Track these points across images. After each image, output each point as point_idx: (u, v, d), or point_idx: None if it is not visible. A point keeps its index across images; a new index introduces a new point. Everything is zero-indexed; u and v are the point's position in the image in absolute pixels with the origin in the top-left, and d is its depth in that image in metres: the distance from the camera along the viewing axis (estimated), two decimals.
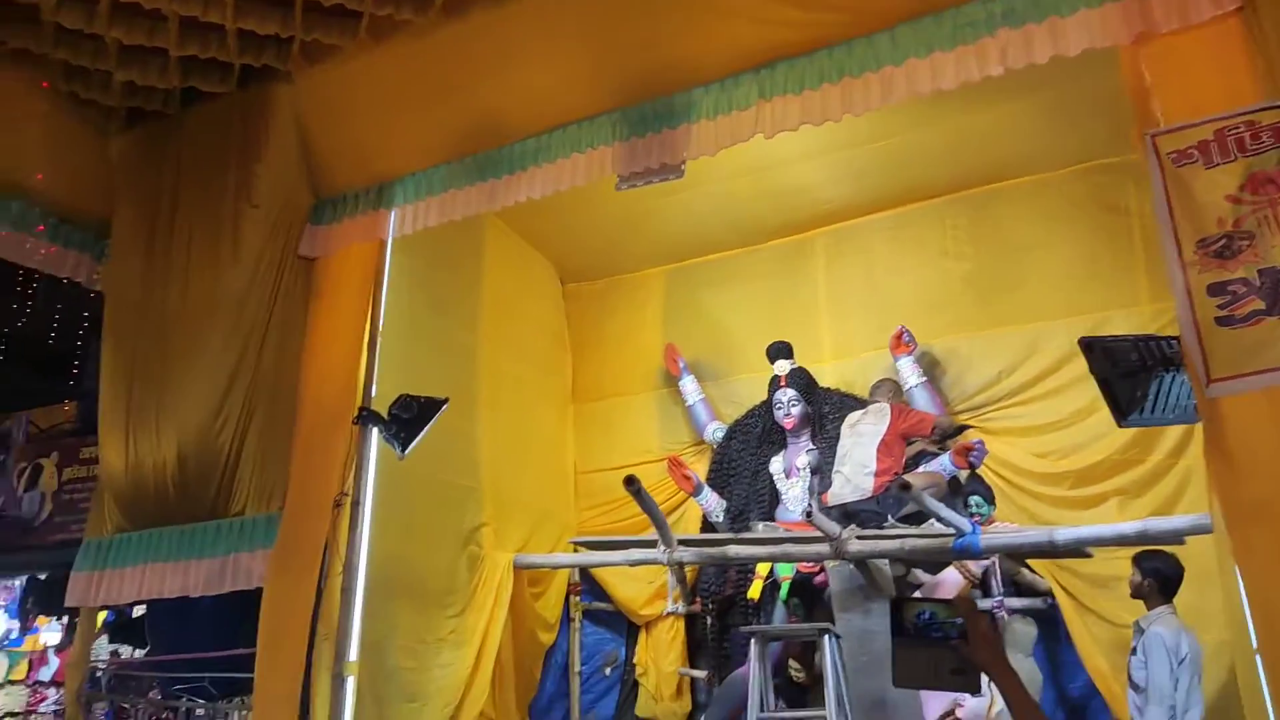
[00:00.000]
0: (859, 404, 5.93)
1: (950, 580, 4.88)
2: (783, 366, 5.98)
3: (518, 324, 6.73)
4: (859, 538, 4.15)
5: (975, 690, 2.09)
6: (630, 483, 4.47)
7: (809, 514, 4.73)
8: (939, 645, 1.99)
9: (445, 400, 4.78)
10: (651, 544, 4.89)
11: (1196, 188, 3.15)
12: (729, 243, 6.97)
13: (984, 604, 4.58)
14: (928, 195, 6.37)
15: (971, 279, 6.13)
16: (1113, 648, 4.70)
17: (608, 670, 6.74)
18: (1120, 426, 3.25)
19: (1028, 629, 4.62)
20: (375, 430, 4.75)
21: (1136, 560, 4.06)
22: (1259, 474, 2.80)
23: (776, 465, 5.80)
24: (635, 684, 6.59)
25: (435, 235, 5.04)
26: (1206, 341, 2.98)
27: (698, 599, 5.99)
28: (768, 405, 6.02)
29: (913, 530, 4.31)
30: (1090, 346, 3.31)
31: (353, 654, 4.44)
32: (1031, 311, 5.92)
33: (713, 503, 5.88)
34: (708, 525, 6.23)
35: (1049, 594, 5.07)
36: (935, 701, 4.39)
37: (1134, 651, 3.94)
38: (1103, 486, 5.39)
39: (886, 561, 4.25)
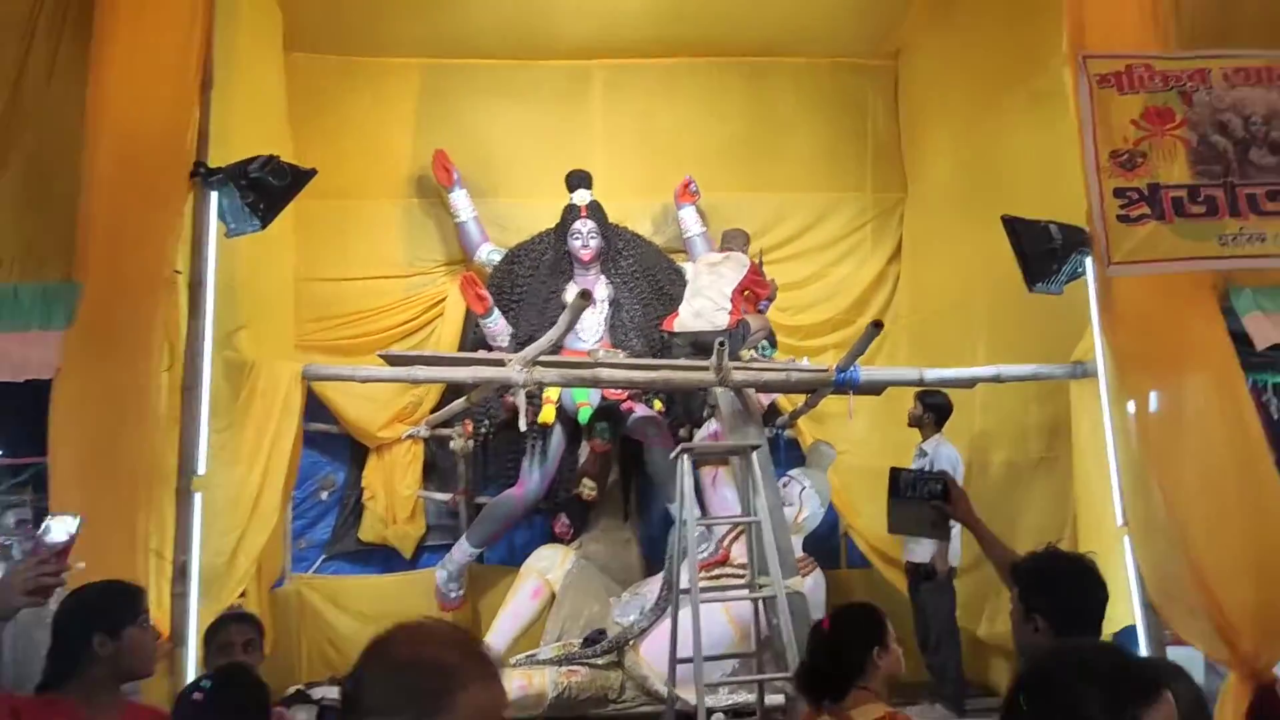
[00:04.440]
0: (645, 242, 6.15)
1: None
2: (583, 196, 5.92)
3: (240, 86, 5.56)
4: (739, 368, 4.49)
5: (946, 538, 2.73)
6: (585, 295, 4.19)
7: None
8: (924, 502, 2.69)
9: (314, 171, 3.96)
10: (496, 362, 4.64)
11: (1112, 108, 3.94)
12: (499, 50, 6.52)
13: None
14: (706, 53, 6.65)
15: (738, 140, 6.64)
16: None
17: (324, 494, 6.25)
18: (1031, 291, 4.02)
19: (831, 450, 5.45)
20: (214, 197, 3.75)
21: (919, 396, 5.05)
22: (1142, 333, 3.76)
23: (572, 294, 5.77)
24: (356, 507, 6.21)
25: None
26: (1110, 233, 3.83)
27: (467, 422, 5.80)
28: (561, 233, 5.93)
29: (796, 366, 4.78)
30: (1011, 224, 4.02)
31: (201, 466, 3.60)
32: (783, 182, 6.65)
33: (501, 327, 5.69)
34: (473, 346, 6.02)
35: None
36: None
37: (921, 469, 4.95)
38: (825, 340, 6.43)
39: (754, 391, 4.68)
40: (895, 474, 2.82)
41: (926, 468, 4.92)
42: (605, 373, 4.53)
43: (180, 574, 3.47)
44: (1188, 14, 4.00)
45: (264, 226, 3.83)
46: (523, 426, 4.66)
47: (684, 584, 4.01)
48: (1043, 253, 3.90)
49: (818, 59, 6.74)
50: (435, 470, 6.28)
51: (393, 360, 4.85)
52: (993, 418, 5.22)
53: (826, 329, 6.44)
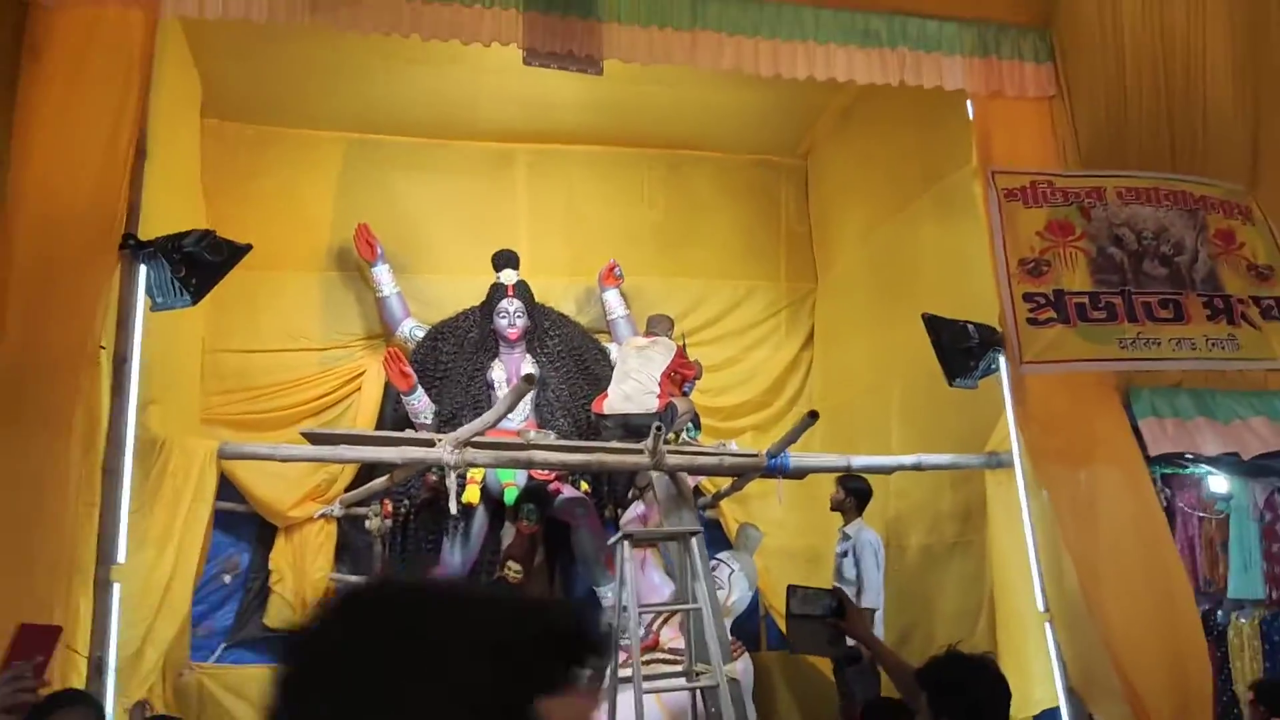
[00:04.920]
0: (570, 323, 6.21)
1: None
2: (509, 276, 5.95)
3: (158, 153, 5.40)
4: (672, 452, 4.54)
5: (842, 655, 2.85)
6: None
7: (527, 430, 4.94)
8: (818, 621, 2.68)
9: (249, 246, 3.87)
10: (426, 442, 4.56)
11: (1019, 220, 4.30)
12: (423, 129, 6.55)
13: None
14: (628, 143, 6.85)
15: (660, 228, 6.83)
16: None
17: (226, 578, 5.92)
18: (950, 385, 4.24)
19: (758, 533, 5.52)
20: (143, 270, 3.62)
21: (841, 481, 5.21)
22: (1053, 428, 4.03)
23: (498, 373, 5.76)
24: (261, 591, 5.91)
25: None
26: (1021, 334, 4.13)
27: (385, 501, 5.65)
28: (486, 311, 5.92)
29: (730, 449, 4.86)
30: (931, 322, 4.26)
31: (121, 554, 3.38)
32: (702, 268, 6.85)
33: (424, 404, 5.60)
34: (393, 423, 5.91)
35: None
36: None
37: (844, 554, 5.08)
38: (743, 421, 6.59)
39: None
40: (791, 591, 2.74)
41: (848, 551, 5.08)
42: (539, 454, 4.52)
43: (96, 670, 3.24)
44: (1085, 136, 4.40)
45: (195, 302, 3.72)
46: (454, 509, 4.57)
47: (626, 671, 3.96)
48: (961, 350, 4.15)
49: (734, 154, 7.03)
50: (347, 551, 6.04)
51: (315, 438, 4.70)
52: (906, 502, 5.44)
53: (745, 410, 6.60)
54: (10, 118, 3.53)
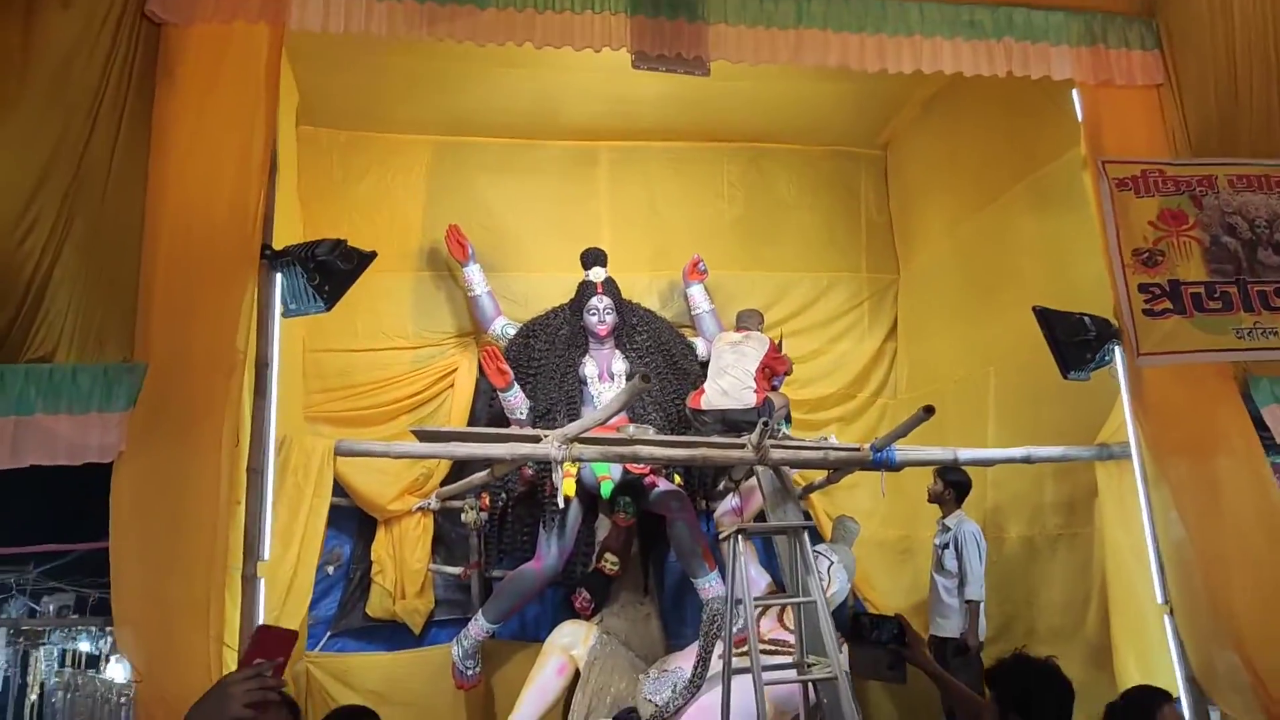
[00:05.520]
0: (658, 319, 6.27)
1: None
2: (598, 274, 6.02)
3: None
4: (776, 446, 4.59)
5: (903, 680, 2.96)
6: None
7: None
8: (880, 647, 2.83)
9: (374, 254, 4.00)
10: (532, 438, 4.66)
11: (1130, 209, 4.26)
12: (508, 130, 6.63)
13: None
14: (707, 138, 6.88)
15: (740, 222, 6.85)
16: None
17: (330, 569, 6.09)
18: (1065, 378, 4.24)
19: (856, 526, 5.56)
20: (278, 278, 3.76)
21: (940, 473, 5.22)
22: (1172, 420, 4.01)
23: (590, 369, 5.85)
24: (363, 582, 6.08)
25: None
26: (1138, 325, 4.11)
27: (484, 496, 5.78)
28: (576, 308, 6.01)
29: (833, 443, 4.91)
30: (1043, 314, 4.25)
31: (266, 551, 3.53)
32: (783, 262, 6.87)
33: (519, 400, 5.70)
34: (488, 421, 6.03)
35: None
36: None
37: (945, 545, 5.10)
38: (828, 414, 6.61)
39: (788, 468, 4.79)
40: (856, 618, 2.96)
41: (949, 543, 5.10)
42: (644, 449, 4.59)
43: None
44: (1194, 124, 4.35)
45: (328, 308, 3.86)
46: (560, 502, 4.66)
47: (740, 662, 4.04)
48: (1077, 342, 4.13)
49: (812, 146, 7.02)
50: (442, 544, 6.20)
51: (425, 435, 4.81)
52: (1005, 494, 5.42)
53: (830, 403, 6.61)
54: (148, 136, 3.68)
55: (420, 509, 6.04)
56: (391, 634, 6.02)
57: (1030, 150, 5.30)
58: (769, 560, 5.77)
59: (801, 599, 4.18)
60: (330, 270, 3.73)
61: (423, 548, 6.06)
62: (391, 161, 6.50)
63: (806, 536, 4.20)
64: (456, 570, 6.04)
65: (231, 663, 3.39)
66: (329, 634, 5.96)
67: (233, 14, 3.81)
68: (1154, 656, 4.01)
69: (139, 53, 3.70)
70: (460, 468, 6.05)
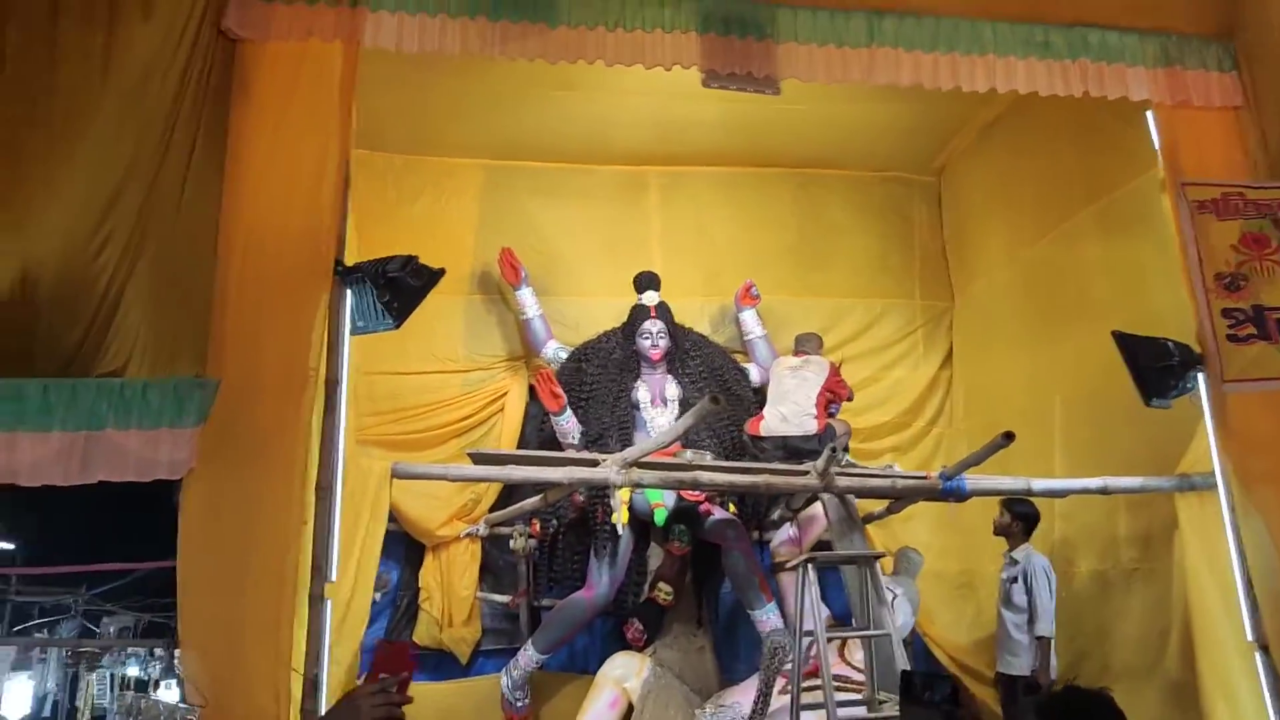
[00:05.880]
0: (711, 343, 6.20)
1: (821, 516, 5.49)
2: (651, 298, 5.96)
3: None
4: (841, 474, 4.48)
5: None
6: None
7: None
8: (935, 706, 2.71)
9: (443, 271, 3.96)
10: (590, 462, 4.57)
11: (1211, 232, 4.15)
12: (559, 155, 6.63)
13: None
14: (757, 163, 6.84)
15: (791, 247, 6.78)
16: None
17: (377, 595, 5.99)
18: (1147, 405, 4.12)
19: (919, 557, 5.42)
20: (348, 295, 3.72)
21: (1007, 504, 5.08)
22: (1261, 449, 3.87)
23: (642, 394, 5.77)
24: (410, 609, 6.00)
25: None
26: (1222, 351, 3.98)
27: (535, 522, 5.69)
28: (629, 332, 5.95)
29: (900, 471, 4.79)
30: (1123, 340, 4.13)
31: (334, 572, 3.46)
32: (835, 288, 6.78)
33: (572, 425, 5.62)
34: (538, 445, 5.96)
35: None
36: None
37: (1013, 580, 4.95)
38: (883, 443, 6.48)
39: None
40: (907, 677, 2.92)
41: (1017, 577, 4.94)
42: (705, 475, 4.49)
43: (313, 688, 3.30)
44: (1275, 146, 4.25)
45: (398, 326, 3.81)
46: (620, 530, 4.55)
47: (811, 697, 3.90)
48: (1159, 368, 4.01)
49: (864, 171, 6.96)
50: (490, 571, 6.11)
51: (481, 458, 4.74)
52: (1074, 526, 5.26)
53: (884, 431, 6.49)
54: (223, 152, 3.67)
55: (469, 535, 5.97)
56: (438, 663, 5.91)
57: (1098, 175, 5.20)
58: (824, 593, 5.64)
59: (875, 632, 4.04)
60: (400, 287, 3.69)
61: (470, 575, 5.98)
62: (445, 184, 6.50)
63: (878, 567, 4.07)
64: (505, 598, 5.95)
65: (297, 688, 3.32)
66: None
67: (308, 31, 3.81)
68: (1242, 695, 3.85)
69: (214, 68, 3.70)
70: (509, 494, 5.99)
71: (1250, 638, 3.79)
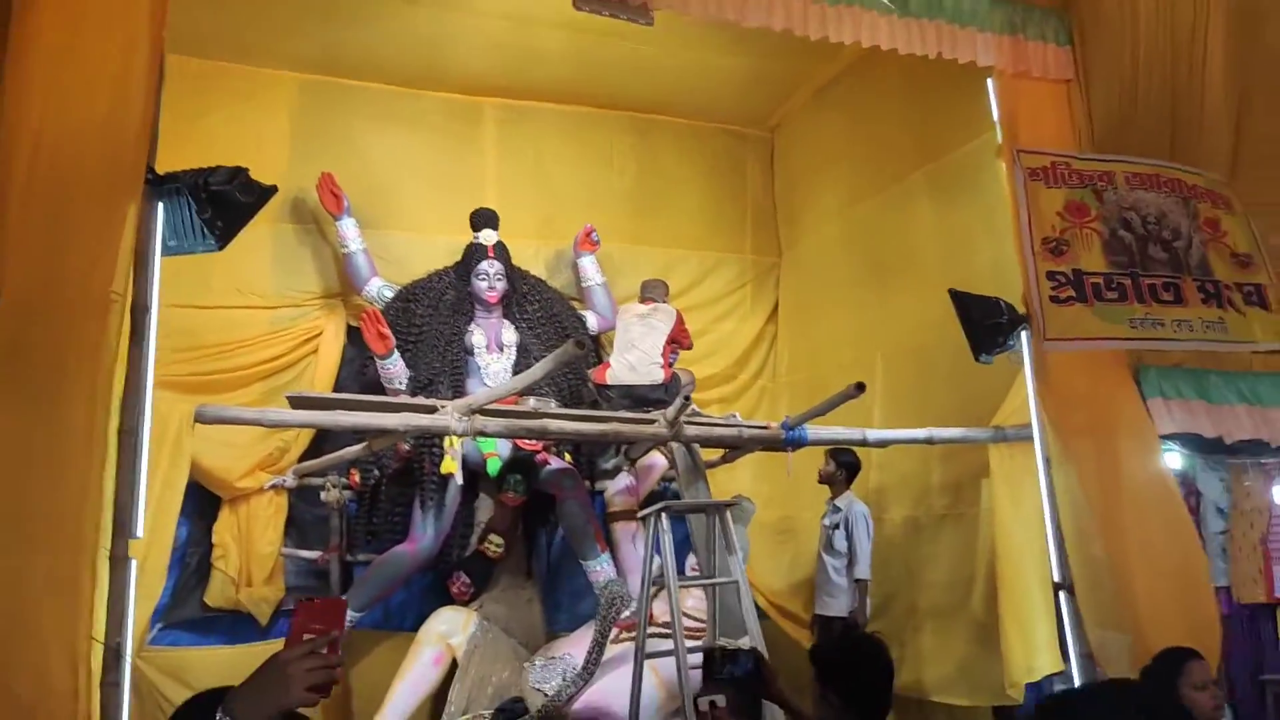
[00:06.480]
0: (549, 288, 5.97)
1: (659, 464, 5.46)
2: (489, 236, 5.64)
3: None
4: (689, 423, 4.43)
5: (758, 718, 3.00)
6: None
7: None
8: (736, 681, 2.67)
9: (275, 188, 3.51)
10: (428, 409, 4.26)
11: (1041, 199, 4.39)
12: (388, 75, 6.13)
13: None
14: (600, 104, 6.64)
15: (628, 195, 6.66)
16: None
17: None
18: (976, 360, 4.31)
19: (751, 505, 5.45)
20: (160, 208, 3.21)
21: (832, 454, 5.24)
22: (1075, 404, 4.15)
23: (477, 338, 5.46)
24: (200, 568, 5.43)
25: None
26: (1045, 312, 4.23)
27: (353, 472, 5.30)
28: (463, 273, 5.61)
29: (743, 421, 4.74)
30: (959, 297, 4.31)
31: (139, 526, 3.00)
32: (671, 238, 6.74)
33: (399, 369, 5.23)
34: (358, 390, 5.52)
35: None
36: None
37: (835, 526, 5.11)
38: (708, 394, 6.53)
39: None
40: (709, 654, 2.76)
41: (839, 524, 5.13)
42: (553, 424, 4.31)
43: (115, 659, 2.86)
44: (1098, 120, 4.56)
45: (221, 247, 3.33)
46: (459, 479, 4.29)
47: (659, 645, 3.85)
48: (990, 325, 4.21)
49: (702, 122, 6.93)
50: (294, 525, 5.63)
51: (302, 402, 4.30)
52: (890, 475, 5.52)
53: (712, 383, 6.54)
54: (3, 32, 3.04)
55: (274, 486, 5.47)
56: (233, 625, 5.39)
57: (931, 139, 5.40)
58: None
59: (723, 579, 4.04)
60: (227, 202, 3.22)
61: (275, 529, 5.49)
62: (252, 98, 5.83)
63: (729, 515, 4.07)
64: (314, 554, 5.52)
65: (97, 660, 2.87)
66: (160, 625, 5.26)
67: None
68: (1039, 634, 4.15)
69: None
70: (321, 442, 5.54)
71: (1057, 579, 4.09)
